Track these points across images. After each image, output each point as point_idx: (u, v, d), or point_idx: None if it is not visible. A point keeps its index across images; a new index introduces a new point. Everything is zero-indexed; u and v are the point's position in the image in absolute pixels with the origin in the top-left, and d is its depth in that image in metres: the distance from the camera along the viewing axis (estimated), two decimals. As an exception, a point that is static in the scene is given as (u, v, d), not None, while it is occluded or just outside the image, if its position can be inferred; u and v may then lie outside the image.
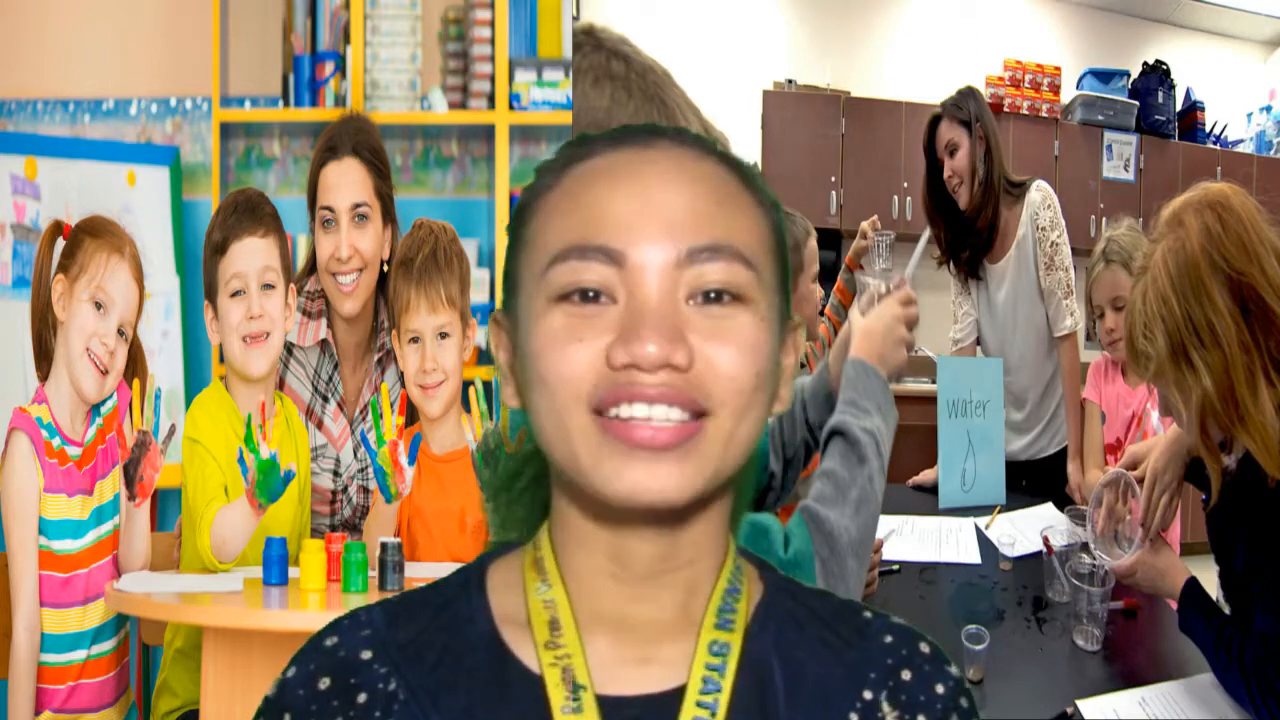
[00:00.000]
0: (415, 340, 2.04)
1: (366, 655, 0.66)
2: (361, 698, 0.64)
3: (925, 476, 2.81)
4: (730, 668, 0.64)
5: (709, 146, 0.66)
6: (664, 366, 0.58)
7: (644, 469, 0.58)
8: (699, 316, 0.60)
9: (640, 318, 0.59)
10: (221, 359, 2.10)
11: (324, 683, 0.65)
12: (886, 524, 2.20)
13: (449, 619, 0.67)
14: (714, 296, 0.61)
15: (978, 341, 3.01)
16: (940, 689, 0.67)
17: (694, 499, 0.61)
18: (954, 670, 0.69)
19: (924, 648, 0.69)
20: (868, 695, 0.66)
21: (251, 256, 1.98)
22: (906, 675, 0.67)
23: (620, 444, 0.58)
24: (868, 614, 0.71)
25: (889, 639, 0.69)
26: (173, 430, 1.89)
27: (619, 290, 0.60)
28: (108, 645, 1.93)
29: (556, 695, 0.62)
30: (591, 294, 0.60)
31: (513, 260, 0.66)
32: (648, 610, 0.65)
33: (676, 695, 0.63)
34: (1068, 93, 5.85)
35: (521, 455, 0.71)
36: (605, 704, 0.62)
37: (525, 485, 0.71)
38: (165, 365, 2.60)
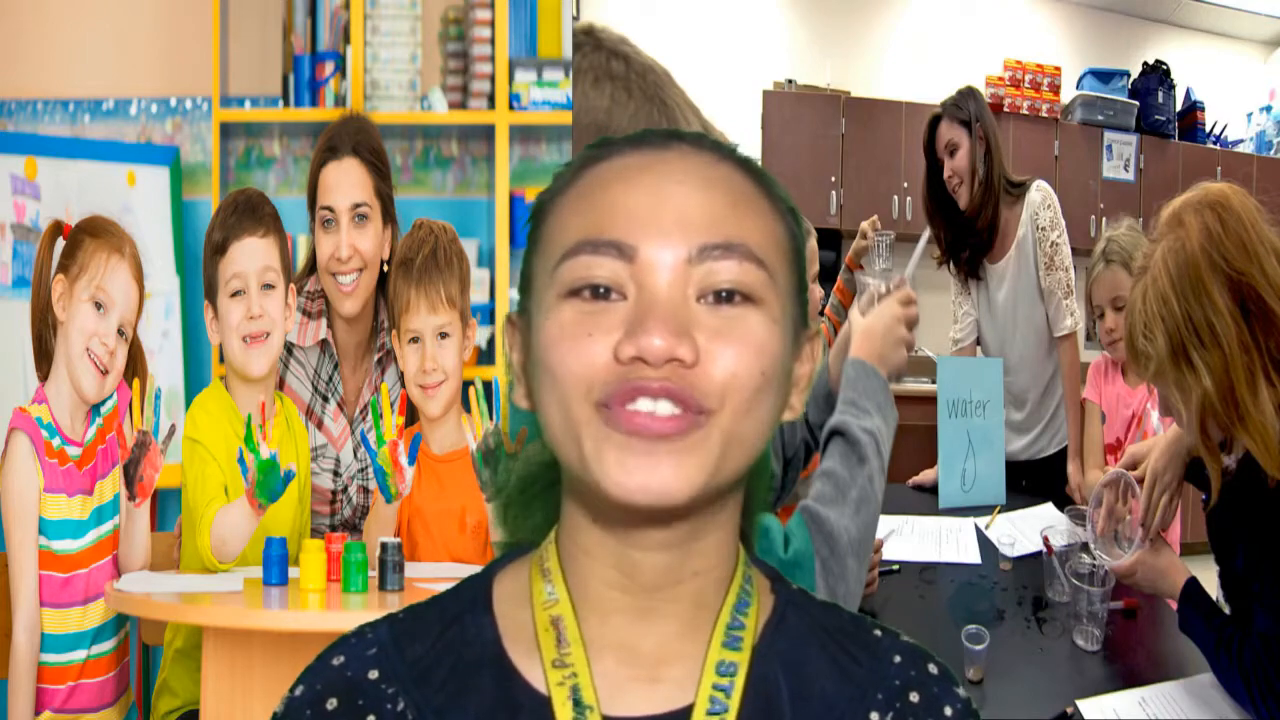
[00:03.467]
0: (415, 340, 2.04)
1: (374, 675, 0.66)
2: (370, 719, 0.64)
3: (925, 476, 2.81)
4: (737, 687, 0.64)
5: (726, 151, 0.65)
6: (669, 360, 0.58)
7: (644, 462, 0.58)
8: (708, 315, 0.60)
9: (648, 312, 0.58)
10: (221, 359, 2.10)
11: (331, 703, 0.65)
12: (886, 524, 2.20)
13: (455, 637, 0.67)
14: (725, 296, 0.60)
15: (978, 341, 3.01)
16: (948, 711, 0.67)
17: (696, 497, 0.60)
18: (962, 692, 0.69)
19: (933, 669, 0.69)
20: (875, 716, 0.66)
21: (251, 256, 1.98)
22: (915, 697, 0.67)
23: (620, 434, 0.58)
24: (878, 631, 0.70)
25: (898, 659, 0.68)
26: (173, 430, 1.89)
27: (629, 286, 0.60)
28: (108, 645, 1.93)
29: (563, 715, 0.62)
30: (602, 290, 0.60)
31: (528, 261, 0.67)
32: (655, 623, 0.65)
33: (684, 715, 0.63)
34: (1068, 93, 5.85)
35: (537, 463, 0.70)
36: None
37: (538, 492, 0.71)
38: (165, 365, 2.60)
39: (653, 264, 0.60)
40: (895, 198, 5.45)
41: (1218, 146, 6.11)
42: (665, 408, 0.58)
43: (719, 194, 0.62)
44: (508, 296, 2.68)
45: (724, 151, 0.65)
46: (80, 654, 1.88)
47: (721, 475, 0.61)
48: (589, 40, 1.11)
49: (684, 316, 0.59)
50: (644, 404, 0.58)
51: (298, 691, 0.66)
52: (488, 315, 2.67)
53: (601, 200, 0.62)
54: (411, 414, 2.07)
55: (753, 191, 0.65)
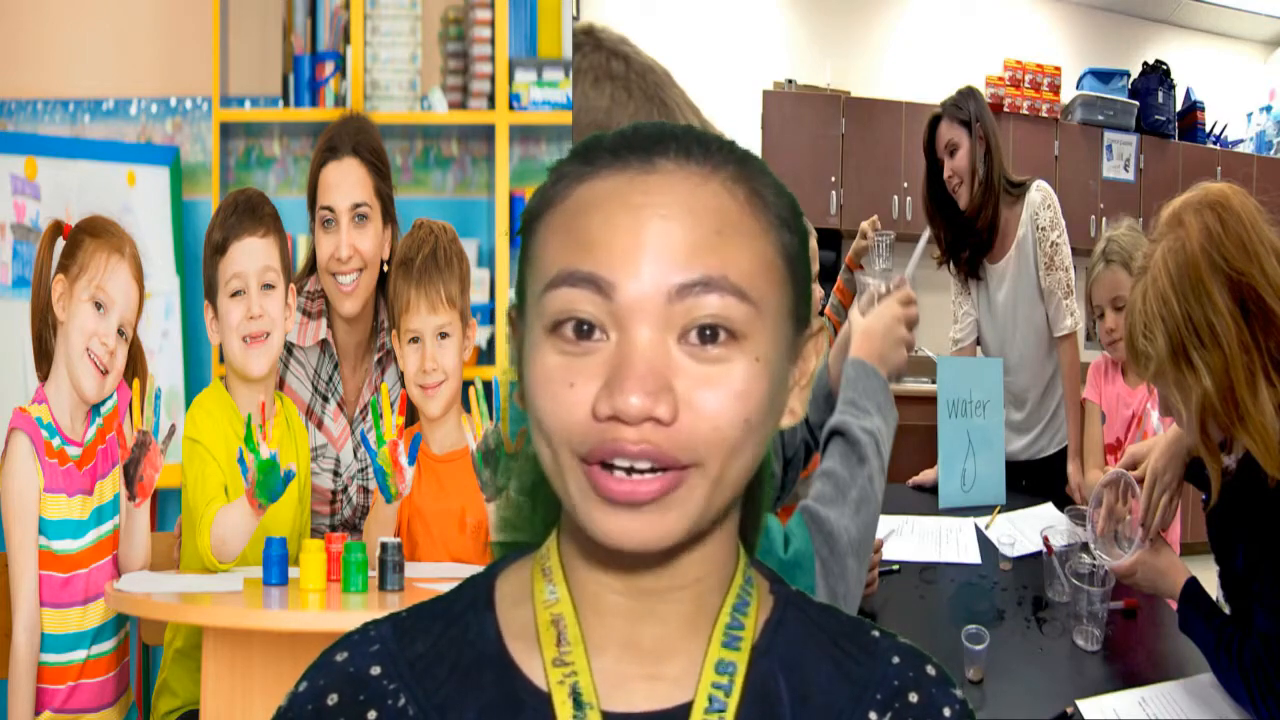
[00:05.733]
0: (415, 340, 2.04)
1: (376, 671, 0.66)
2: (371, 714, 0.65)
3: (925, 476, 2.82)
4: (736, 686, 0.64)
5: (716, 160, 0.63)
6: (647, 419, 0.57)
7: (624, 521, 0.59)
8: (689, 360, 0.59)
9: (626, 366, 0.57)
10: (221, 359, 2.10)
11: (332, 698, 0.66)
12: (886, 524, 2.20)
13: (458, 635, 0.67)
14: (708, 334, 0.59)
15: (978, 341, 3.01)
16: (947, 712, 0.68)
17: (680, 542, 0.61)
18: (959, 694, 0.69)
19: (930, 670, 0.69)
20: (873, 716, 0.66)
21: (251, 256, 1.98)
22: (913, 698, 0.67)
23: (602, 498, 0.59)
24: (876, 633, 0.71)
25: (896, 660, 0.69)
26: (173, 430, 1.89)
27: (610, 326, 0.59)
28: (108, 645, 1.93)
29: (563, 712, 0.62)
30: (585, 327, 0.59)
31: (521, 268, 0.66)
32: (655, 623, 0.65)
33: (683, 712, 0.63)
34: (1068, 93, 5.85)
35: (537, 465, 0.70)
36: None
37: (539, 494, 0.71)
38: (165, 365, 2.59)
39: (631, 304, 0.58)
40: (895, 198, 5.45)
41: (1218, 146, 6.11)
42: (644, 466, 0.58)
43: (702, 223, 0.60)
44: (508, 296, 2.68)
45: (714, 160, 0.63)
46: (80, 654, 1.88)
47: (707, 517, 0.61)
48: (589, 40, 1.11)
49: (663, 368, 0.58)
50: (622, 463, 0.58)
51: (301, 687, 0.67)
52: (488, 315, 2.67)
53: (582, 229, 0.60)
54: (411, 414, 2.07)
55: (741, 210, 0.62)
